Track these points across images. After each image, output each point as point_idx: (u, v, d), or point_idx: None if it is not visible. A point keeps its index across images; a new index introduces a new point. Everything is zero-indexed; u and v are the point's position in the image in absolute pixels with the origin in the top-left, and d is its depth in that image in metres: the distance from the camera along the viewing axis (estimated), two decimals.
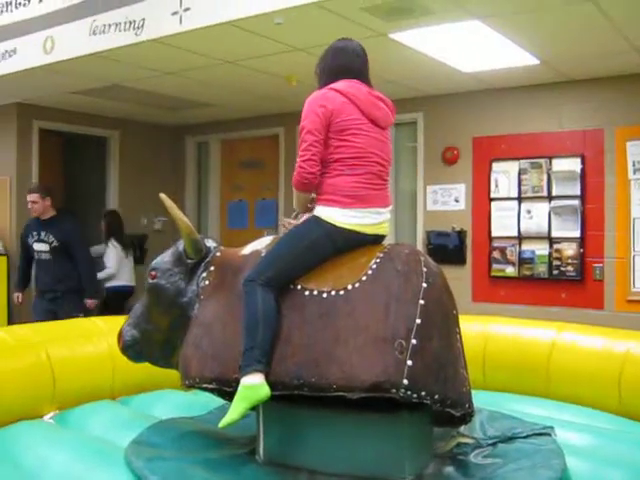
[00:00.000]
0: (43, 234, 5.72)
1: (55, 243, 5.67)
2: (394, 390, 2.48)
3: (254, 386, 2.65)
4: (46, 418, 3.62)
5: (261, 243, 3.16)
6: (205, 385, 2.92)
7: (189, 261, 3.18)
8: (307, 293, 2.76)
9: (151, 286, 3.24)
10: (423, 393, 2.51)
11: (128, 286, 6.89)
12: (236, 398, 2.68)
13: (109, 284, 6.77)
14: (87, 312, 5.69)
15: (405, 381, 2.48)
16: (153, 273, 3.23)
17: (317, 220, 2.90)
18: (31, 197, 5.79)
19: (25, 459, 3.03)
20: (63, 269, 5.67)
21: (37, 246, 5.75)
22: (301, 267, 2.86)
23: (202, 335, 2.95)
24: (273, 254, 2.92)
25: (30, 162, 7.20)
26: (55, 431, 3.42)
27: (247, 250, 3.16)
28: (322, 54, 3.15)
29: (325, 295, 2.72)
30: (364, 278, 2.72)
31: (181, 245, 3.22)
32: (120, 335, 3.35)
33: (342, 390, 2.55)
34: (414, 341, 2.53)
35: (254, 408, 2.78)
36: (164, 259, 3.26)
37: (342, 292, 2.71)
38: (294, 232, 2.98)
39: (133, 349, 3.33)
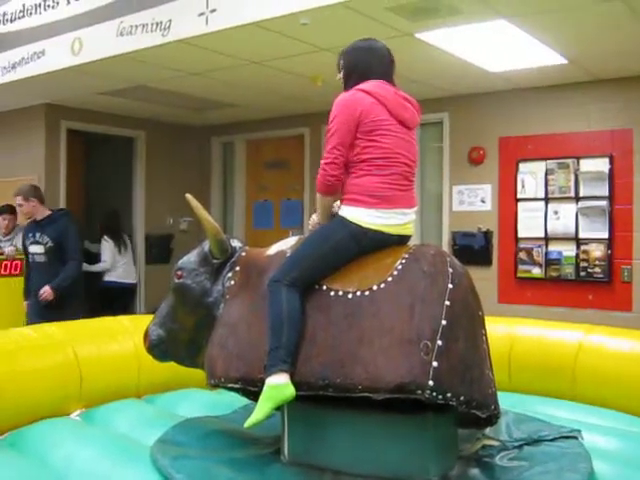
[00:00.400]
0: (38, 235, 5.59)
1: (50, 244, 5.52)
2: (419, 391, 2.47)
3: (279, 386, 2.65)
4: (73, 416, 3.66)
5: (286, 243, 3.16)
6: (230, 385, 2.92)
7: (215, 261, 3.18)
8: (332, 293, 2.76)
9: (177, 286, 3.25)
10: (449, 394, 2.49)
11: (123, 282, 7.22)
12: (261, 398, 2.68)
13: (106, 278, 7.14)
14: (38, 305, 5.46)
15: (430, 382, 2.47)
16: (179, 273, 3.24)
17: (342, 221, 2.89)
18: (16, 200, 5.67)
19: (52, 456, 3.05)
20: (58, 271, 5.45)
21: (32, 248, 5.63)
22: (326, 267, 2.86)
23: (227, 335, 2.96)
24: (298, 254, 2.92)
25: (58, 162, 7.27)
26: (82, 429, 3.44)
27: (272, 250, 3.17)
28: (346, 53, 3.12)
29: (350, 295, 2.72)
30: (389, 279, 2.71)
31: (207, 245, 3.23)
32: (146, 334, 3.37)
33: (367, 391, 2.54)
34: (440, 342, 2.52)
35: (279, 408, 2.79)
36: (190, 259, 3.27)
37: (367, 293, 2.70)
38: (319, 232, 2.98)
39: (159, 348, 3.34)
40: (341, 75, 3.10)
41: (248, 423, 2.68)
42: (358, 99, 2.91)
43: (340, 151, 2.87)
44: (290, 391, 2.65)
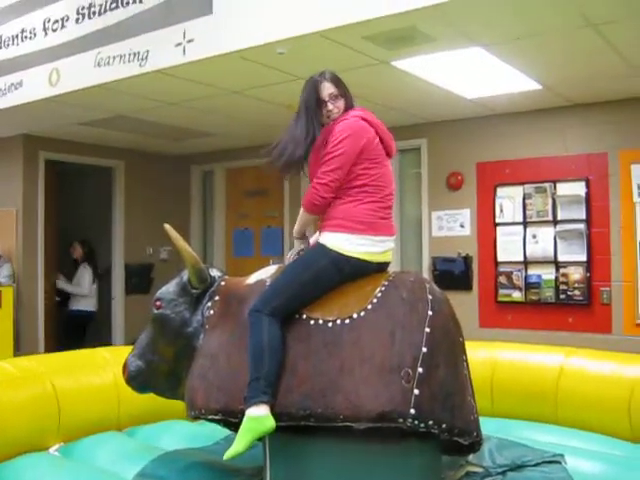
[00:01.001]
0: None
1: None
2: (401, 420, 2.47)
3: (259, 418, 2.63)
4: (51, 450, 3.60)
5: (266, 272, 3.16)
6: (211, 416, 2.90)
7: (194, 291, 3.17)
8: (312, 322, 2.76)
9: (156, 316, 3.23)
10: (430, 422, 2.49)
11: (90, 311, 7.52)
12: (241, 430, 2.67)
13: (74, 307, 7.40)
14: None
15: (412, 410, 2.46)
16: (158, 303, 3.22)
17: (323, 248, 2.89)
18: None
19: None
20: None
21: None
22: (307, 296, 2.85)
23: (207, 366, 2.93)
24: (279, 283, 2.91)
25: (36, 193, 7.22)
26: (61, 464, 3.39)
27: (252, 279, 3.16)
28: (337, 76, 3.16)
29: (330, 324, 2.71)
30: (369, 307, 2.71)
31: (186, 275, 3.21)
32: (125, 366, 3.34)
33: (349, 420, 2.53)
34: (420, 370, 2.52)
35: (260, 439, 2.76)
36: (169, 289, 3.26)
37: (347, 321, 2.70)
38: (300, 261, 2.98)
39: (138, 380, 3.30)
40: (340, 102, 3.07)
41: (228, 455, 2.67)
42: (364, 128, 2.96)
43: (338, 175, 2.87)
44: (270, 423, 2.64)
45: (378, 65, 4.76)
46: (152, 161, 8.37)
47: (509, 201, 6.25)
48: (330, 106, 3.06)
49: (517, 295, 6.15)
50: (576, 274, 5.88)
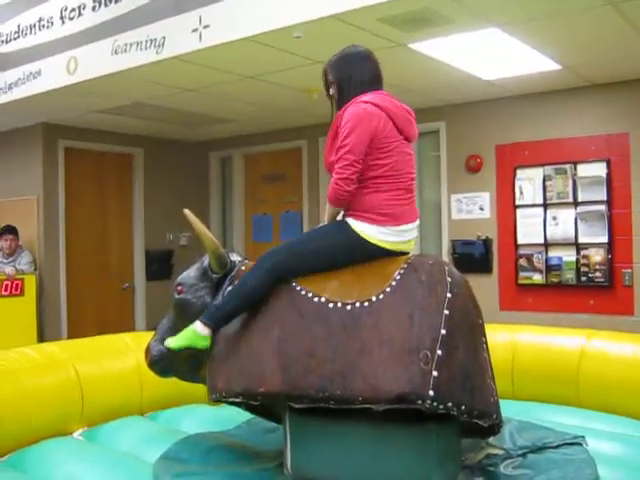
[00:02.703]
0: None
1: None
2: (420, 401, 2.47)
3: (200, 334, 2.94)
4: (75, 435, 3.65)
5: None
6: (232, 399, 2.92)
7: (214, 276, 3.20)
8: (331, 305, 2.76)
9: (177, 301, 3.26)
10: (449, 404, 2.49)
11: None
12: (180, 334, 2.99)
13: None
14: None
15: (431, 392, 2.46)
16: (179, 288, 3.26)
17: (346, 226, 2.88)
18: None
19: (55, 476, 3.05)
20: None
21: None
22: (310, 264, 2.88)
23: (228, 349, 2.95)
24: (291, 242, 3.01)
25: (57, 181, 7.28)
26: (84, 448, 3.44)
27: None
28: (333, 67, 3.07)
29: (349, 307, 2.72)
30: (388, 289, 2.71)
31: (206, 260, 3.24)
32: (147, 351, 3.38)
33: (368, 402, 2.54)
34: (439, 352, 2.52)
35: (279, 422, 2.77)
36: (190, 274, 3.29)
37: (366, 304, 2.70)
38: (319, 230, 3.03)
39: (160, 364, 3.33)
40: (333, 91, 3.06)
41: (166, 343, 3.04)
42: (372, 113, 2.86)
43: (356, 167, 2.82)
44: (205, 343, 2.95)
45: (395, 47, 4.73)
46: (171, 148, 8.40)
47: (529, 183, 6.20)
48: (331, 91, 3.07)
49: (538, 277, 6.12)
50: (597, 256, 5.84)
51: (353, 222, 2.88)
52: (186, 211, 3.22)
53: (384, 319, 2.64)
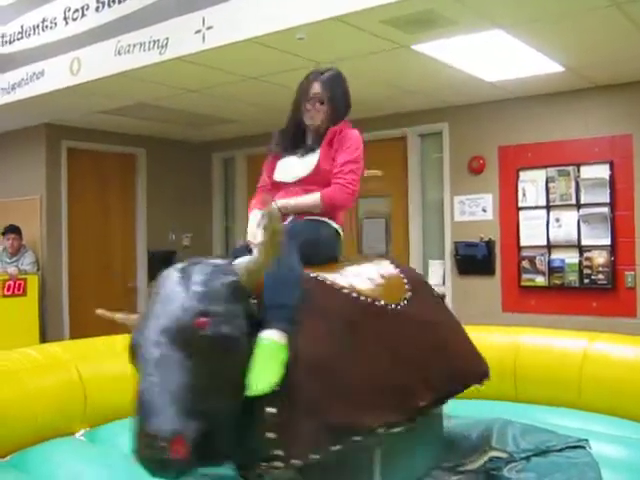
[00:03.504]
0: None
1: None
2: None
3: (282, 346, 2.29)
4: (77, 435, 3.65)
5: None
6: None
7: (253, 301, 2.40)
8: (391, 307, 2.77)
9: (211, 339, 2.20)
10: None
11: None
12: (260, 365, 2.24)
13: None
14: None
15: None
16: (204, 320, 2.20)
17: (329, 225, 3.03)
18: None
19: (57, 476, 3.05)
20: None
21: None
22: (312, 252, 2.80)
23: (314, 382, 2.32)
24: (298, 230, 2.86)
25: (59, 181, 7.29)
26: (86, 448, 3.44)
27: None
28: (338, 79, 3.18)
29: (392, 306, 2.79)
30: (409, 294, 2.86)
31: (238, 276, 2.36)
32: (175, 441, 2.11)
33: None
34: None
35: None
36: (217, 298, 2.28)
37: (399, 307, 2.79)
38: (311, 224, 2.99)
39: (201, 450, 2.17)
40: (327, 105, 3.08)
41: (255, 388, 2.20)
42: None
43: (358, 184, 3.01)
44: (285, 356, 2.30)
45: (398, 49, 4.73)
46: (174, 149, 8.40)
47: (532, 185, 6.20)
48: (308, 106, 3.08)
49: (540, 280, 6.11)
50: (600, 258, 5.83)
51: (332, 222, 3.05)
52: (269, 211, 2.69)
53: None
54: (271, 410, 2.24)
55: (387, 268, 2.96)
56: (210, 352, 2.18)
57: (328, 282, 2.62)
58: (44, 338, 6.76)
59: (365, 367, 2.42)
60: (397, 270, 2.98)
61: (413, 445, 2.71)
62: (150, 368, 2.26)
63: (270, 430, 2.24)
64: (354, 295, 2.61)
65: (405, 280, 2.91)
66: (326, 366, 2.34)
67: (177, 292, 2.29)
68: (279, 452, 2.22)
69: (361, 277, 2.81)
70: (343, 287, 2.63)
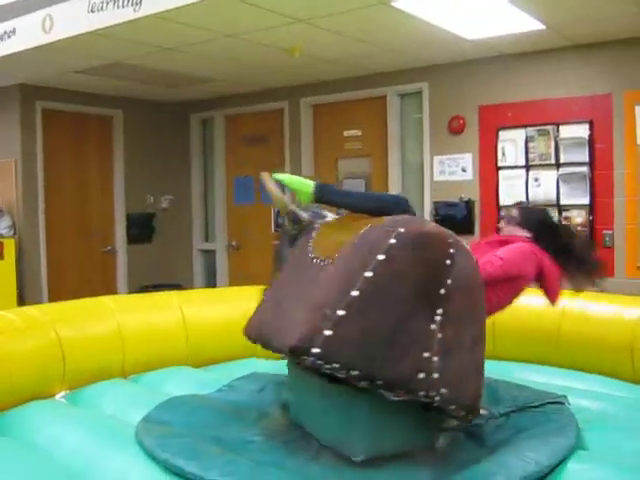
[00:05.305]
0: None
1: None
2: (305, 356, 2.46)
3: (306, 185, 3.31)
4: (58, 397, 3.64)
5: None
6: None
7: (292, 231, 3.38)
8: (315, 262, 2.94)
9: (275, 247, 3.70)
10: (336, 365, 2.43)
11: None
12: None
13: None
14: None
15: (316, 349, 2.43)
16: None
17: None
18: None
19: (38, 438, 3.04)
20: None
21: None
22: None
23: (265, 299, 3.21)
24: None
25: (35, 143, 7.17)
26: (67, 410, 3.43)
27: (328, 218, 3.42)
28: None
29: (323, 265, 2.88)
30: (343, 249, 2.76)
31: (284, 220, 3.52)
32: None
33: (279, 352, 2.77)
34: (341, 312, 2.46)
35: None
36: (283, 227, 3.61)
37: (328, 261, 2.84)
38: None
39: None
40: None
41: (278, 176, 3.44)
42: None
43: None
44: (305, 196, 3.30)
45: (377, 6, 4.65)
46: (151, 110, 8.28)
47: (511, 144, 6.19)
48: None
49: None
50: (579, 217, 5.86)
51: None
52: (263, 174, 3.50)
53: (322, 277, 2.72)
54: None
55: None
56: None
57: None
58: (22, 302, 6.70)
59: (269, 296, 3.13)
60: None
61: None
62: None
63: None
64: (310, 255, 3.00)
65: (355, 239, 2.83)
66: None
67: None
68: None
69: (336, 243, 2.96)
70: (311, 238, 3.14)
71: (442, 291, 2.58)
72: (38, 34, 5.40)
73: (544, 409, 3.05)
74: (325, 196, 3.32)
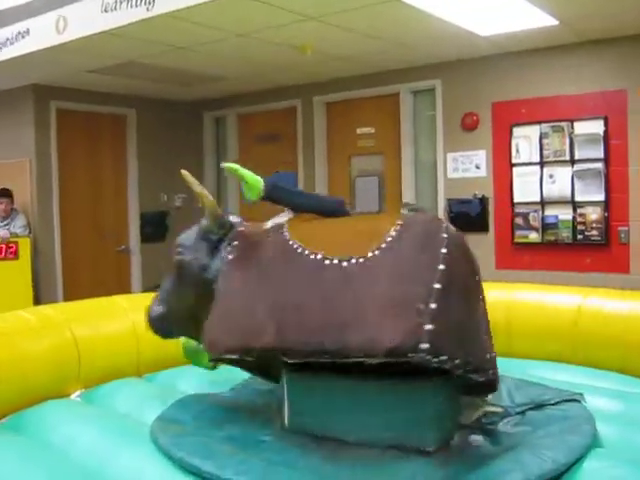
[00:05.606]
0: None
1: None
2: (413, 354, 2.45)
3: (256, 182, 3.27)
4: (73, 396, 3.65)
5: (282, 218, 3.16)
6: (228, 355, 2.90)
7: (212, 237, 3.18)
8: (327, 262, 2.74)
9: (177, 262, 3.22)
10: (443, 357, 2.46)
11: None
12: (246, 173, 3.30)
13: None
14: None
15: (424, 345, 2.43)
16: (179, 249, 3.22)
17: None
18: None
19: (53, 437, 3.04)
20: None
21: None
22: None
23: (224, 305, 2.94)
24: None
25: (49, 143, 7.20)
26: (82, 409, 3.44)
27: (269, 224, 3.16)
28: None
29: (345, 263, 2.70)
30: (383, 245, 2.70)
31: (205, 221, 3.22)
32: (148, 311, 3.37)
33: (363, 355, 2.52)
34: (433, 305, 2.50)
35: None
36: (189, 235, 3.25)
37: (361, 260, 2.69)
38: None
39: (160, 325, 3.33)
40: None
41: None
42: None
43: None
44: (251, 195, 3.33)
45: (390, 2, 4.64)
46: (164, 108, 8.31)
47: (525, 141, 6.16)
48: None
49: (534, 236, 6.11)
50: (594, 214, 5.82)
51: None
52: (184, 172, 3.21)
53: (379, 274, 2.64)
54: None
55: (380, 224, 2.90)
56: (175, 268, 3.22)
57: (289, 243, 2.94)
58: (38, 301, 6.74)
59: (239, 301, 2.91)
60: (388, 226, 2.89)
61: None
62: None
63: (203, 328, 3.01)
64: (305, 253, 2.85)
65: (388, 238, 2.82)
66: (231, 295, 2.96)
67: None
68: (206, 342, 2.99)
69: (335, 239, 2.90)
70: (302, 247, 2.89)
71: (477, 278, 2.84)
72: (52, 34, 5.42)
73: (560, 407, 3.02)
74: (275, 194, 3.28)
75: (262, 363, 3.01)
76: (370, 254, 2.70)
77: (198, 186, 3.17)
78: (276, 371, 3.04)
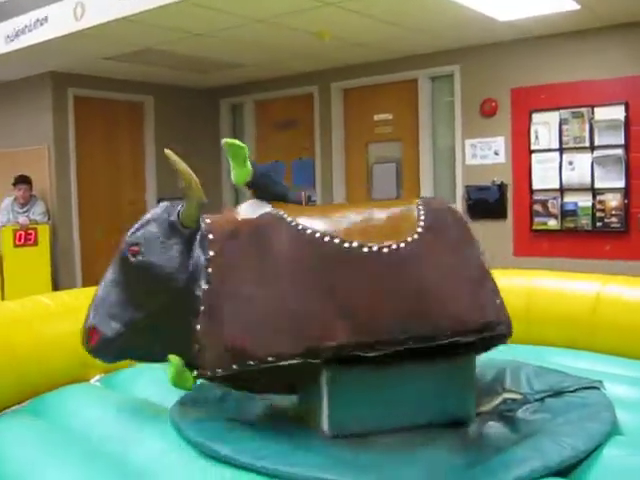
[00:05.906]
0: None
1: None
2: (500, 327, 2.57)
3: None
4: (93, 381, 3.68)
5: (259, 207, 2.89)
6: (279, 362, 2.51)
7: (186, 230, 2.73)
8: (366, 250, 2.56)
9: (136, 264, 2.69)
10: (507, 329, 2.62)
11: None
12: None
13: None
14: None
15: (503, 317, 2.59)
16: (135, 249, 2.69)
17: None
18: None
19: (74, 421, 3.07)
20: None
21: None
22: None
23: (245, 309, 2.56)
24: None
25: (67, 130, 7.24)
26: (102, 394, 3.46)
27: (247, 214, 2.88)
28: None
29: (386, 250, 2.56)
30: (420, 229, 2.66)
31: (173, 211, 2.79)
32: (91, 331, 2.77)
33: (455, 335, 2.51)
34: (491, 280, 2.64)
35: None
36: (150, 231, 2.73)
37: (403, 244, 2.58)
38: None
39: (113, 346, 2.77)
40: None
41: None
42: None
43: None
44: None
45: None
46: (181, 95, 8.31)
47: (544, 127, 6.11)
48: None
49: (553, 223, 6.07)
50: (614, 201, 5.77)
51: None
52: (167, 151, 2.87)
53: (432, 257, 2.60)
54: (196, 327, 2.61)
55: (406, 210, 2.84)
56: (133, 274, 2.72)
57: (291, 223, 2.68)
58: (57, 287, 6.80)
59: (276, 302, 2.53)
60: (415, 212, 2.80)
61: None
62: (103, 282, 2.90)
63: (196, 342, 2.62)
64: (317, 236, 2.60)
65: (421, 222, 2.76)
66: (241, 294, 2.57)
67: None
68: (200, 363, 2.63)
69: (352, 220, 2.73)
70: (306, 227, 2.65)
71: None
72: (69, 21, 5.44)
73: (579, 394, 3.01)
74: (261, 180, 3.00)
75: (250, 378, 2.79)
76: (410, 238, 2.64)
77: (181, 164, 2.83)
78: (258, 384, 2.89)
